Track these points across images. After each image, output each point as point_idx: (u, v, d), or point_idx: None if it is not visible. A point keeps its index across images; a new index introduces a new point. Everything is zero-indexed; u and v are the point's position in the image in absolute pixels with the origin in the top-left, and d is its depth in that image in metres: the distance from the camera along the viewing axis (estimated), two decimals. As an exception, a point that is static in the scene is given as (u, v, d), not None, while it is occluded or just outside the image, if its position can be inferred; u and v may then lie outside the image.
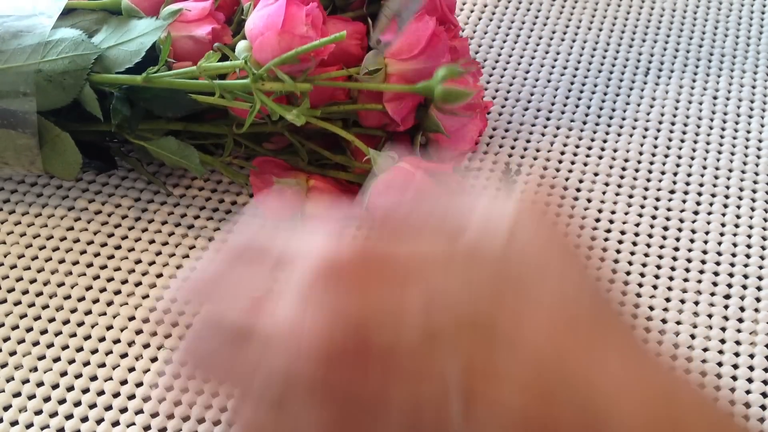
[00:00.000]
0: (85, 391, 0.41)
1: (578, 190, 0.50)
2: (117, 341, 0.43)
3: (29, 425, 0.40)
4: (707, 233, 0.48)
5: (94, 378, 0.42)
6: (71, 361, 0.42)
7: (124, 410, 0.41)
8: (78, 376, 0.42)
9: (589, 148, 0.52)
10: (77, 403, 0.41)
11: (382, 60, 0.44)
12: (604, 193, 0.50)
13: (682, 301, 0.45)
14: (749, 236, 0.48)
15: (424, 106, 0.45)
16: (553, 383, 0.24)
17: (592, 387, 0.24)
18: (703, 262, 0.47)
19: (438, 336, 0.24)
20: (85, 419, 0.40)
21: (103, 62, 0.44)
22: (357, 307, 0.24)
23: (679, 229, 0.48)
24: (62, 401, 0.41)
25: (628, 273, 0.46)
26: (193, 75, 0.42)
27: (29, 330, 0.43)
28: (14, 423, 0.40)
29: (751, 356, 0.43)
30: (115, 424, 0.40)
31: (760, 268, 0.47)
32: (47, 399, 0.41)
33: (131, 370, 0.42)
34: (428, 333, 0.24)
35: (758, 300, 0.45)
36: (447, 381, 0.23)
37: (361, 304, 0.24)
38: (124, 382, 0.42)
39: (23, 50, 0.44)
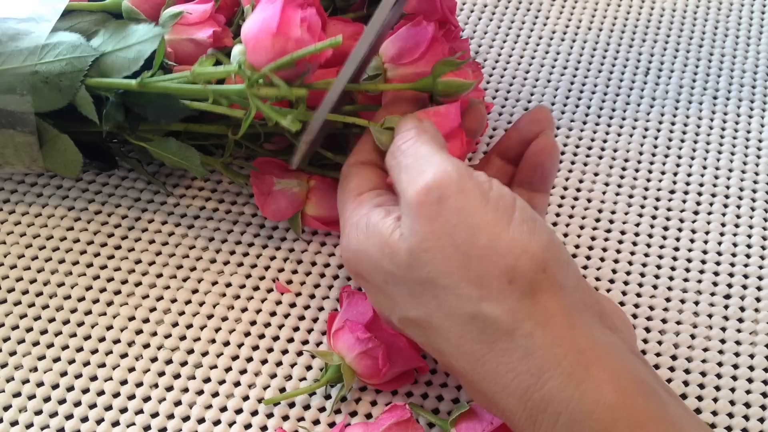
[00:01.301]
0: (85, 391, 0.41)
1: (578, 190, 0.50)
2: (117, 341, 0.43)
3: (29, 425, 0.40)
4: (707, 233, 0.48)
5: (94, 378, 0.42)
6: (71, 361, 0.42)
7: (124, 410, 0.41)
8: (78, 376, 0.42)
9: (589, 148, 0.53)
10: (77, 403, 0.41)
11: (381, 65, 0.43)
12: (604, 193, 0.50)
13: (682, 301, 0.45)
14: (749, 236, 0.48)
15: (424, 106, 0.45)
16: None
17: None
18: (703, 262, 0.47)
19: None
20: (85, 419, 0.40)
21: (101, 68, 0.44)
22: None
23: (679, 229, 0.48)
24: (62, 401, 0.41)
25: (628, 273, 0.46)
26: (189, 80, 0.42)
27: (29, 330, 0.43)
28: (14, 423, 0.40)
29: (751, 356, 0.43)
30: (115, 424, 0.40)
31: (760, 268, 0.47)
32: (47, 399, 0.41)
33: (131, 370, 0.42)
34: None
35: (758, 300, 0.45)
36: None
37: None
38: (124, 382, 0.42)
39: (20, 52, 0.44)
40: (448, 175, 0.33)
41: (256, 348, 0.43)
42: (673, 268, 0.47)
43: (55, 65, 0.44)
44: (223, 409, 0.41)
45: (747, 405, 0.41)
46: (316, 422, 0.40)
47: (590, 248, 0.47)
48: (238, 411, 0.41)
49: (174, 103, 0.43)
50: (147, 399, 0.41)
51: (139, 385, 0.41)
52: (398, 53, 0.43)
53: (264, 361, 0.42)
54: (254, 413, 0.41)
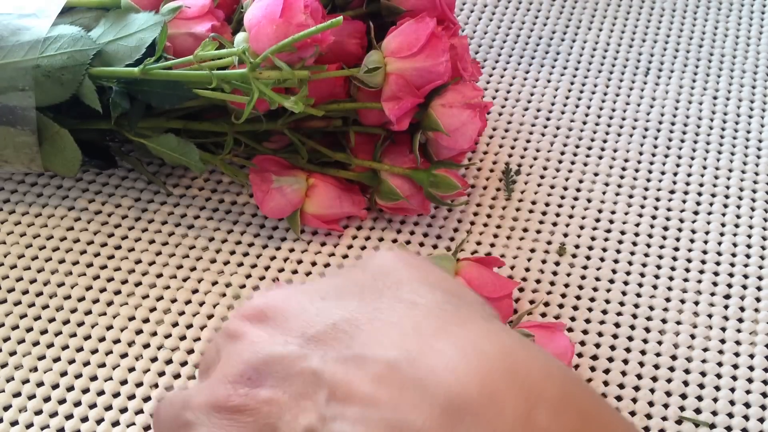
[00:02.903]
0: (85, 391, 0.41)
1: (578, 190, 0.50)
2: (117, 341, 0.43)
3: (29, 425, 0.40)
4: (707, 233, 0.48)
5: (94, 378, 0.42)
6: (71, 361, 0.42)
7: (124, 410, 0.41)
8: (78, 376, 0.42)
9: (589, 148, 0.52)
10: (77, 403, 0.41)
11: (381, 58, 0.44)
12: (604, 193, 0.50)
13: (682, 301, 0.45)
14: (749, 236, 0.48)
15: (425, 105, 0.45)
16: (401, 384, 0.25)
17: (432, 374, 0.25)
18: (703, 262, 0.47)
19: (308, 355, 0.26)
20: (85, 419, 0.40)
21: (103, 57, 0.44)
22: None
23: (679, 229, 0.48)
24: (62, 401, 0.41)
25: (628, 273, 0.46)
26: (191, 66, 0.42)
27: (29, 330, 0.43)
28: (14, 423, 0.40)
29: (751, 356, 0.43)
30: (115, 424, 0.40)
31: (760, 268, 0.47)
32: (47, 399, 0.41)
33: (131, 370, 0.42)
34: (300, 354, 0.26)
35: (758, 300, 0.45)
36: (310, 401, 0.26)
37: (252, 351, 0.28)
38: (124, 382, 0.42)
39: (21, 46, 0.44)
40: None
41: (256, 348, 0.43)
42: (673, 268, 0.47)
43: (57, 59, 0.44)
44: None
45: (747, 405, 0.41)
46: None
47: (590, 248, 0.47)
48: (238, 411, 0.41)
49: (178, 88, 0.43)
50: (147, 399, 0.41)
51: (139, 385, 0.41)
52: (398, 47, 0.44)
53: (264, 361, 0.42)
54: (254, 413, 0.41)
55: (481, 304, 0.29)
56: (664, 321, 0.44)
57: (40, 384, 0.41)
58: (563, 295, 0.45)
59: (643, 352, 0.43)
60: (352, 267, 0.30)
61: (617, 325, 0.44)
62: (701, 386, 0.42)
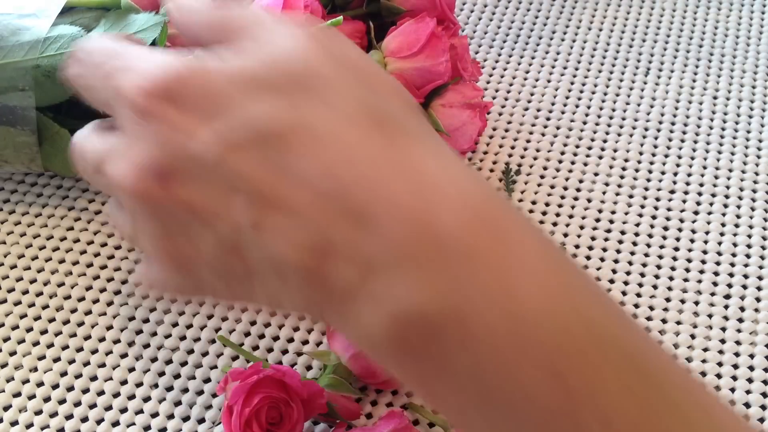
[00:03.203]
0: (85, 391, 0.41)
1: (578, 190, 0.50)
2: (117, 341, 0.43)
3: (29, 425, 0.40)
4: (707, 233, 0.48)
5: (94, 378, 0.42)
6: (71, 361, 0.42)
7: (124, 410, 0.41)
8: (78, 376, 0.42)
9: (589, 148, 0.53)
10: (77, 403, 0.41)
11: (381, 58, 0.44)
12: (604, 193, 0.50)
13: (682, 301, 0.45)
14: (749, 236, 0.48)
15: (425, 105, 0.45)
16: (340, 191, 0.25)
17: (374, 186, 0.25)
18: (703, 262, 0.47)
19: (231, 159, 0.25)
20: (85, 419, 0.40)
21: None
22: (165, 142, 0.26)
23: (679, 229, 0.48)
24: (62, 401, 0.41)
25: (628, 273, 0.46)
26: None
27: (29, 330, 0.43)
28: (14, 423, 0.40)
29: (751, 356, 0.43)
30: (115, 424, 0.40)
31: (760, 268, 0.47)
32: (47, 399, 0.41)
33: (131, 370, 0.42)
34: (223, 155, 0.25)
35: (758, 300, 0.45)
36: (238, 209, 0.25)
37: (167, 138, 0.26)
38: (124, 382, 0.42)
39: (21, 46, 0.44)
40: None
41: (256, 348, 0.43)
42: (673, 268, 0.47)
43: (57, 59, 0.44)
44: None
45: (747, 405, 0.41)
46: (316, 422, 0.40)
47: (590, 248, 0.47)
48: (238, 411, 0.41)
49: None
50: (147, 399, 0.41)
51: (139, 385, 0.41)
52: (398, 47, 0.44)
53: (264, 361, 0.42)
54: (254, 413, 0.41)
55: (415, 116, 0.28)
56: (664, 321, 0.44)
57: (40, 384, 0.41)
58: (563, 295, 0.45)
59: (643, 352, 0.43)
60: (273, 45, 0.27)
61: (617, 325, 0.44)
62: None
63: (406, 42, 0.44)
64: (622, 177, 0.51)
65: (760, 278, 0.46)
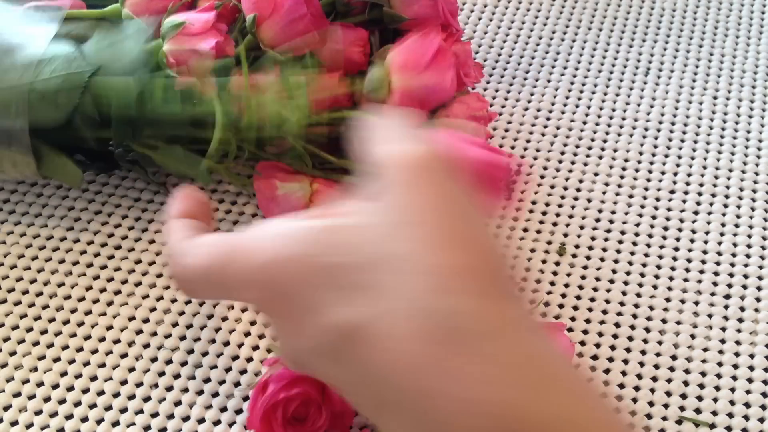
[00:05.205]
0: (85, 391, 0.41)
1: (578, 190, 0.50)
2: (117, 341, 0.43)
3: (29, 425, 0.40)
4: (707, 233, 0.48)
5: (94, 378, 0.42)
6: (71, 361, 0.42)
7: (124, 410, 0.41)
8: (78, 376, 0.42)
9: (589, 148, 0.53)
10: (77, 403, 0.41)
11: (386, 75, 0.43)
12: (604, 193, 0.50)
13: (682, 301, 0.45)
14: (749, 236, 0.48)
15: (430, 116, 0.45)
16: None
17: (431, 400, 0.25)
18: (703, 262, 0.47)
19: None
20: (85, 419, 0.40)
21: (97, 73, 0.44)
22: None
23: (679, 229, 0.48)
24: (62, 401, 0.41)
25: (628, 273, 0.46)
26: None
27: (29, 330, 0.43)
28: (14, 423, 0.40)
29: (751, 356, 0.43)
30: (115, 424, 0.40)
31: (760, 268, 0.47)
32: (47, 399, 0.41)
33: (131, 370, 0.42)
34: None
35: (758, 300, 0.45)
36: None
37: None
38: (124, 382, 0.42)
39: (16, 69, 0.43)
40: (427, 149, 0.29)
41: (256, 348, 0.43)
42: (673, 268, 0.47)
43: (52, 82, 0.43)
44: (224, 410, 0.41)
45: (747, 405, 0.41)
46: None
47: (590, 248, 0.47)
48: (238, 411, 0.41)
49: (179, 100, 0.43)
50: (147, 399, 0.41)
51: (139, 385, 0.41)
52: (404, 64, 0.43)
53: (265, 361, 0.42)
54: (254, 413, 0.41)
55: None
56: (664, 321, 0.44)
57: (40, 384, 0.41)
58: (563, 295, 0.45)
59: (643, 352, 0.43)
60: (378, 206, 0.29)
61: (617, 325, 0.44)
62: (701, 386, 0.42)
63: (412, 59, 0.43)
64: (622, 177, 0.51)
65: (760, 278, 0.46)
